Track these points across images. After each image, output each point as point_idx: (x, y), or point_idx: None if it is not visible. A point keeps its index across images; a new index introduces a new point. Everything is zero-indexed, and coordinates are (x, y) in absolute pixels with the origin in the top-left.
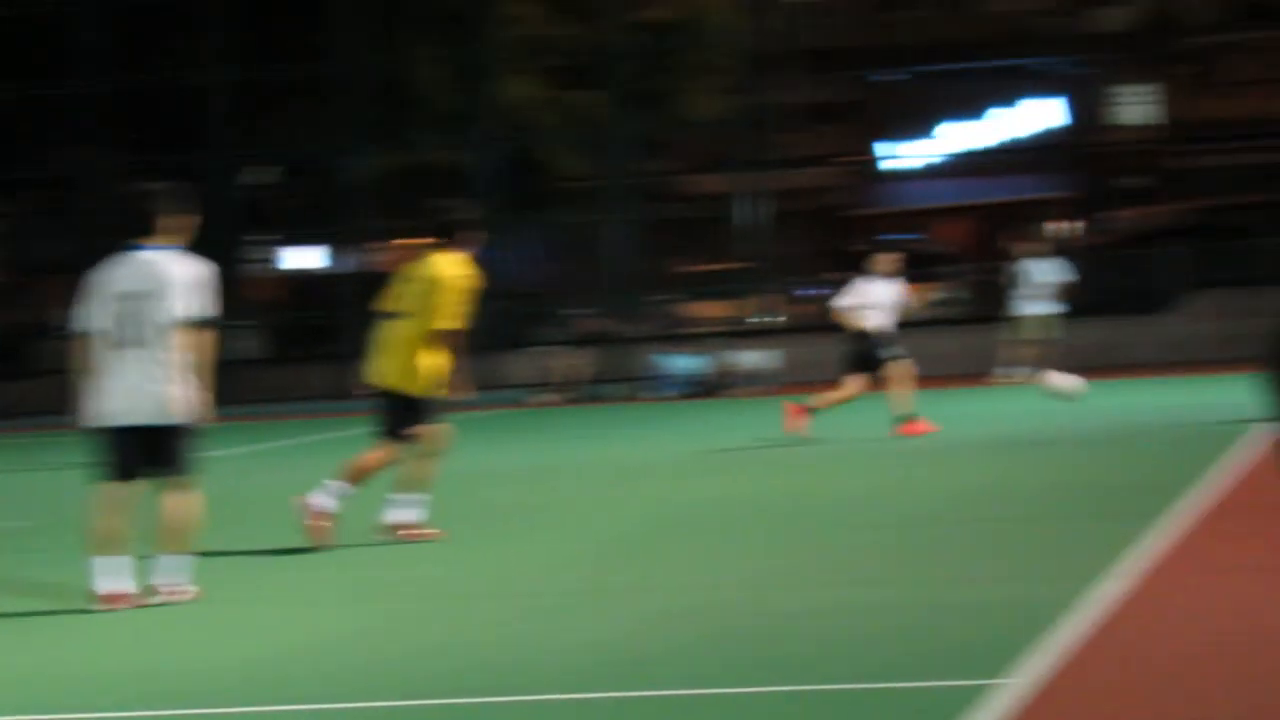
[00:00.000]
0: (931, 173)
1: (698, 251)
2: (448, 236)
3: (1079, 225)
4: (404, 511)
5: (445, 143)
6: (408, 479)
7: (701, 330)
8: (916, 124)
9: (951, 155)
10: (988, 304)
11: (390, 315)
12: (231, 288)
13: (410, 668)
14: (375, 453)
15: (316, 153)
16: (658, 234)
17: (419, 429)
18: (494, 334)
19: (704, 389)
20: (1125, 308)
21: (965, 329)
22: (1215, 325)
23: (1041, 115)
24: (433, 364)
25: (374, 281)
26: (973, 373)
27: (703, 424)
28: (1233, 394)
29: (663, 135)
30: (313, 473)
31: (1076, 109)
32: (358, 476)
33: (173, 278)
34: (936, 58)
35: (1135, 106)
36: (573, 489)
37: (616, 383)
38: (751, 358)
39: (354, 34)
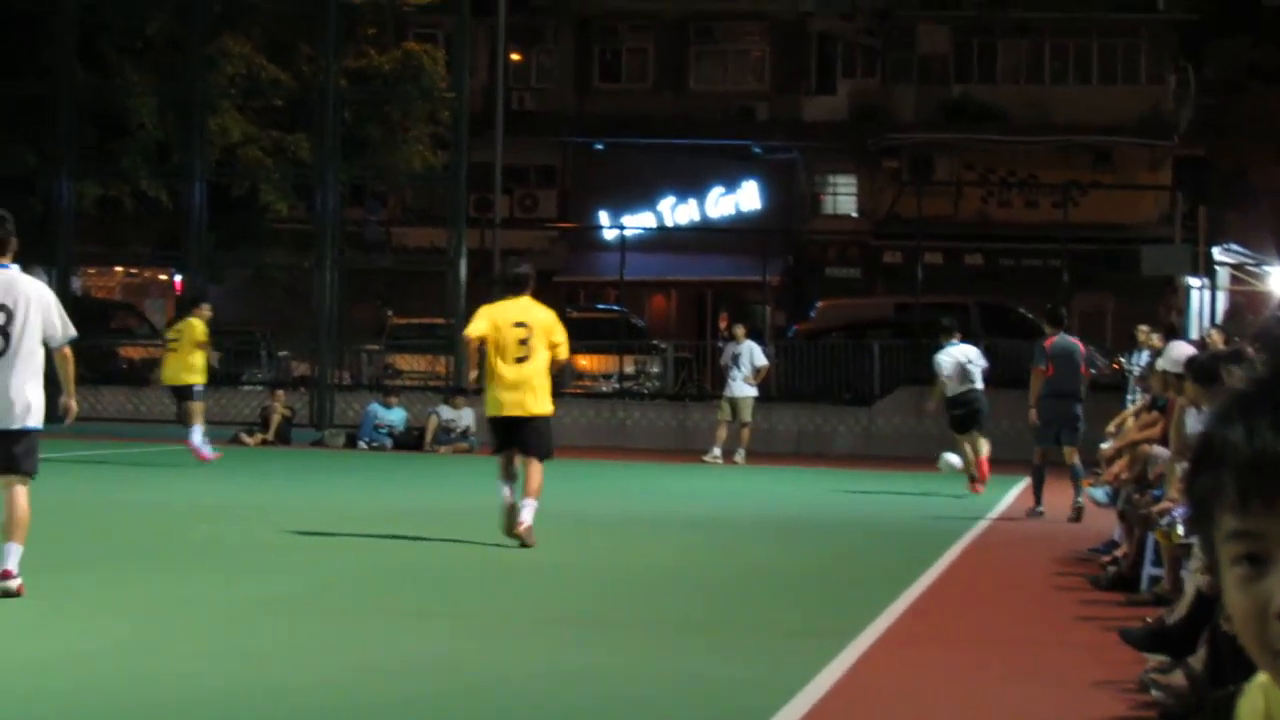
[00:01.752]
0: (635, 245)
1: (407, 303)
2: None
3: (783, 311)
4: None
5: (156, 172)
6: None
7: (408, 384)
8: (626, 195)
9: (659, 229)
10: (688, 381)
11: None
12: None
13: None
14: None
15: (26, 171)
16: (367, 282)
17: None
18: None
19: (408, 442)
20: (827, 397)
21: (662, 404)
22: (914, 423)
23: (750, 197)
24: None
25: (83, 304)
26: (670, 449)
27: (405, 477)
28: (934, 493)
29: (373, 184)
30: None
31: (786, 194)
32: None
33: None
34: (649, 131)
35: (844, 197)
36: (269, 533)
37: (322, 428)
38: (453, 414)
39: (68, 54)
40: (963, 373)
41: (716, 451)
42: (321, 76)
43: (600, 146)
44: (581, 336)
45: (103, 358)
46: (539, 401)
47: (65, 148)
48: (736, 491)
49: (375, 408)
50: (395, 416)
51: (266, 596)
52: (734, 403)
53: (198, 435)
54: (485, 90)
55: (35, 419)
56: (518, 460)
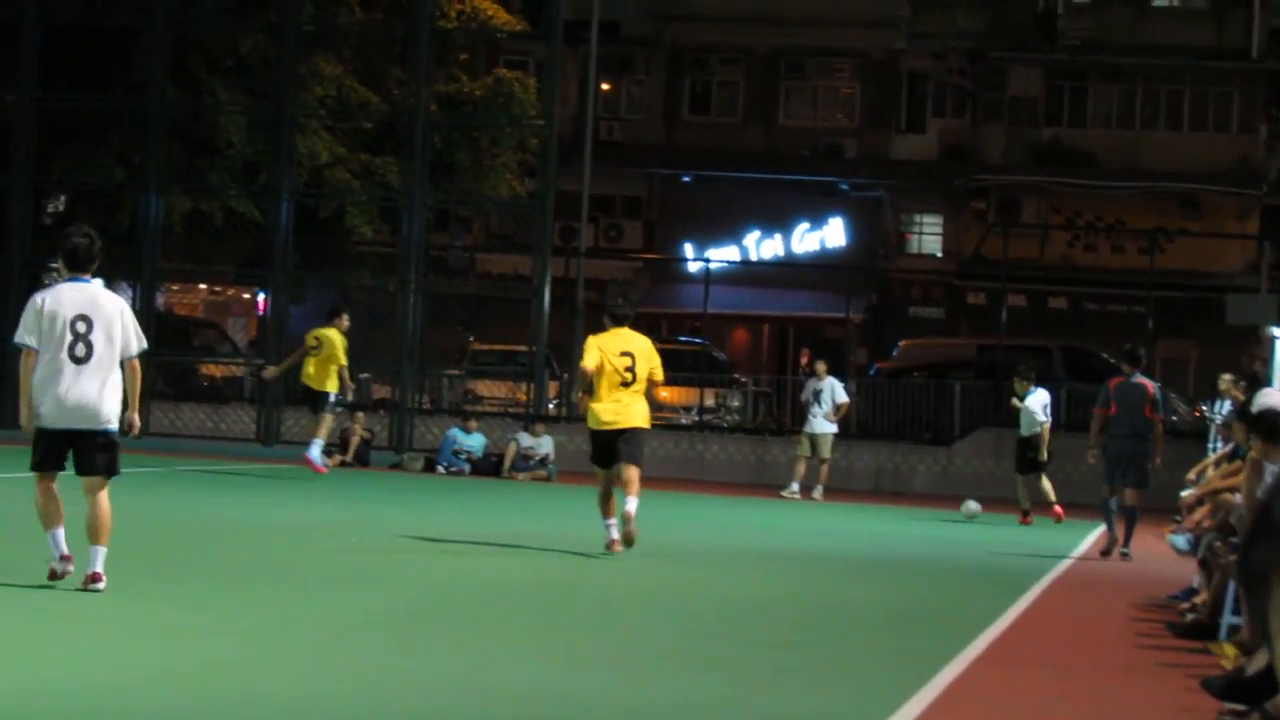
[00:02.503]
0: (719, 278)
1: (489, 329)
2: None
3: (865, 349)
4: None
5: (243, 191)
6: None
7: (488, 409)
8: (711, 228)
9: (743, 263)
10: (768, 415)
11: None
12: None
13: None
14: None
15: (114, 186)
16: (450, 307)
17: None
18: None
19: (487, 468)
20: (907, 436)
21: (741, 438)
22: (993, 464)
23: (835, 234)
24: None
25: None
26: (748, 482)
27: (484, 503)
28: (1012, 533)
29: (458, 209)
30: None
31: (871, 232)
32: None
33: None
34: (737, 165)
35: (929, 236)
36: (351, 554)
37: (400, 451)
38: (532, 441)
39: (161, 72)
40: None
41: (795, 487)
42: (412, 100)
43: (687, 179)
44: (664, 368)
45: (184, 375)
46: (639, 416)
47: (153, 163)
48: (815, 527)
49: (455, 433)
50: (474, 442)
51: (346, 619)
52: (814, 439)
53: (317, 448)
54: (574, 119)
55: (115, 422)
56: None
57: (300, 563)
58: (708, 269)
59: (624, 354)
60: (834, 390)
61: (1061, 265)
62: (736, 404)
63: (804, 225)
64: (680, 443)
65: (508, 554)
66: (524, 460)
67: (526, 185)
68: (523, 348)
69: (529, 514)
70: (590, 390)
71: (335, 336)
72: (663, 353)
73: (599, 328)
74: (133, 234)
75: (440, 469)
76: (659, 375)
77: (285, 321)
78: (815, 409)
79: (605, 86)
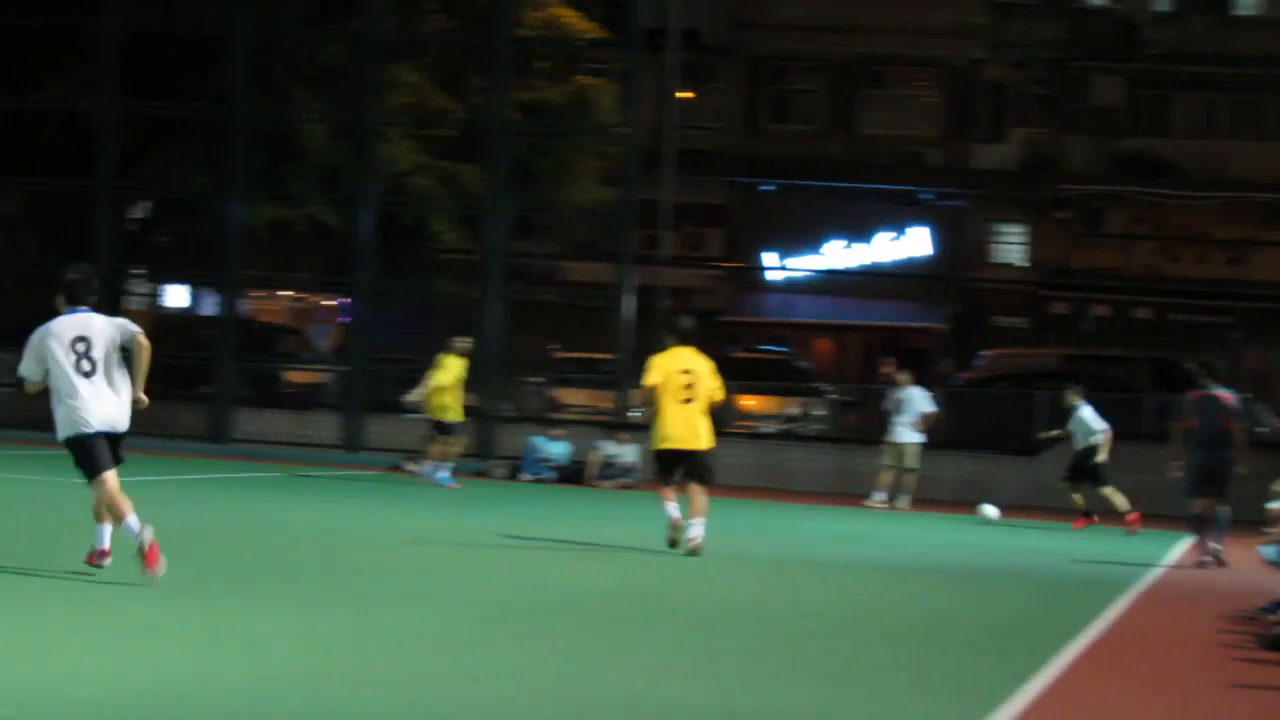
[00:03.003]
0: (803, 287)
1: (572, 336)
2: None
3: (949, 358)
4: None
5: (325, 199)
6: None
7: (570, 417)
8: (793, 237)
9: (825, 272)
10: (848, 424)
11: None
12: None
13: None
14: None
15: (197, 193)
16: (531, 315)
17: None
18: (366, 396)
19: (570, 475)
20: (992, 446)
21: (825, 447)
22: None
23: (918, 243)
24: None
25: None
26: (832, 491)
27: (569, 510)
28: (1099, 543)
29: (540, 217)
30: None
31: (954, 241)
32: None
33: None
34: (818, 173)
35: (1013, 246)
36: (438, 561)
37: (485, 459)
38: (616, 449)
39: (243, 80)
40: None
41: (879, 496)
42: (493, 108)
43: (768, 187)
44: (745, 377)
45: (267, 381)
46: (702, 437)
47: (236, 171)
48: (901, 537)
49: (538, 440)
50: (558, 450)
51: (432, 627)
52: (898, 448)
53: (445, 470)
54: (655, 127)
55: (127, 422)
56: (683, 489)
57: (386, 569)
58: (789, 278)
59: (684, 372)
60: (918, 400)
61: (1146, 275)
62: (820, 413)
63: (886, 234)
64: (764, 452)
65: (592, 562)
66: (608, 468)
67: (608, 193)
68: (605, 355)
69: (613, 522)
70: (652, 408)
71: (455, 360)
72: (745, 362)
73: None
74: (216, 241)
75: (524, 476)
76: (719, 395)
77: (368, 328)
78: (899, 418)
79: (686, 95)
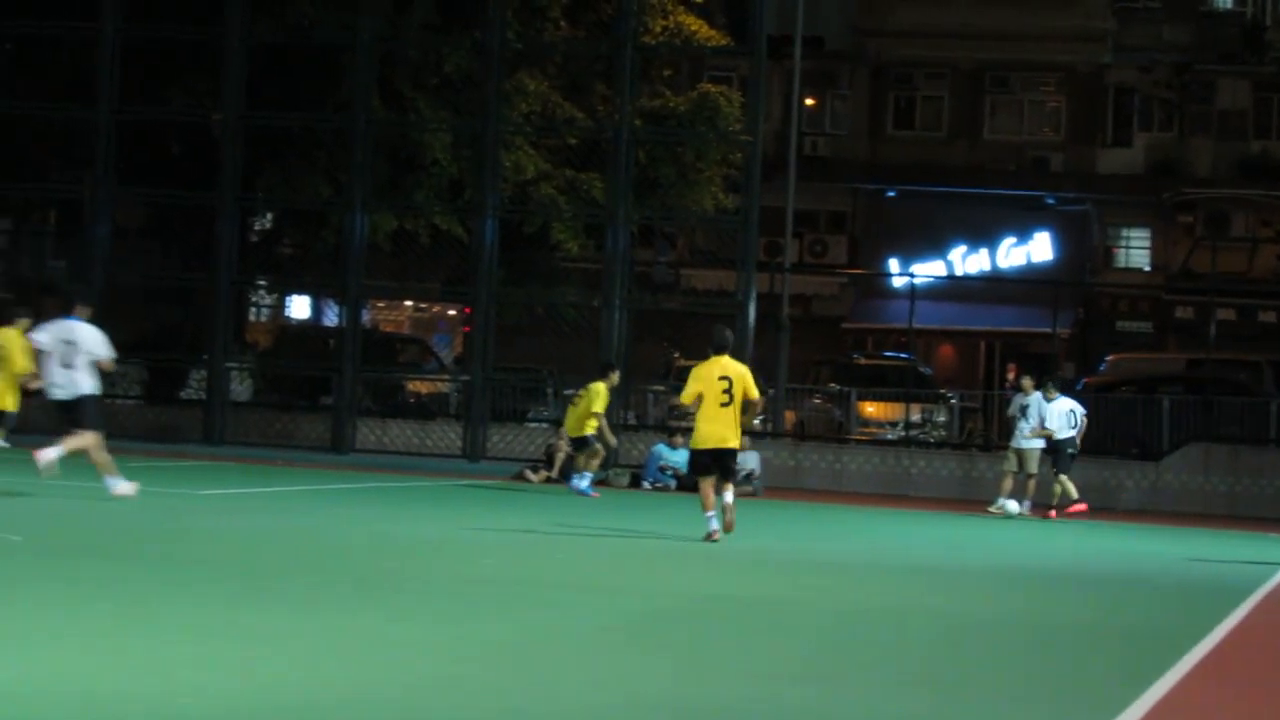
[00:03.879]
0: (926, 293)
1: (694, 344)
2: None
3: (1073, 363)
4: None
5: (448, 208)
6: None
7: (692, 425)
8: (916, 243)
9: (948, 278)
10: (973, 431)
11: None
12: (231, 329)
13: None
14: None
15: (320, 204)
16: (654, 323)
17: None
18: (488, 405)
19: (692, 483)
20: (1115, 451)
21: (947, 454)
22: (1202, 479)
23: (1041, 248)
24: None
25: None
26: (954, 498)
27: (690, 518)
28: (1223, 548)
29: (663, 225)
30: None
31: (1078, 246)
32: None
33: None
34: (942, 179)
35: (1137, 250)
36: (561, 570)
37: (606, 467)
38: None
39: (366, 90)
40: (1071, 421)
41: (1001, 502)
42: (616, 116)
43: (892, 193)
44: (868, 383)
45: (390, 391)
46: (735, 437)
47: (359, 181)
48: (1023, 543)
49: (660, 448)
50: (680, 457)
51: (553, 635)
52: (1021, 454)
53: (585, 480)
54: (778, 134)
55: (89, 390)
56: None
57: (507, 578)
58: (913, 284)
59: (722, 378)
60: (1041, 405)
61: (1272, 278)
62: (943, 419)
63: (1010, 240)
64: (886, 458)
65: (713, 569)
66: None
67: (731, 200)
68: None
69: (735, 530)
70: (695, 411)
71: (599, 390)
72: (868, 368)
73: (812, 345)
74: (339, 251)
75: (646, 485)
76: (754, 395)
77: (490, 338)
78: (1022, 424)
79: (809, 101)
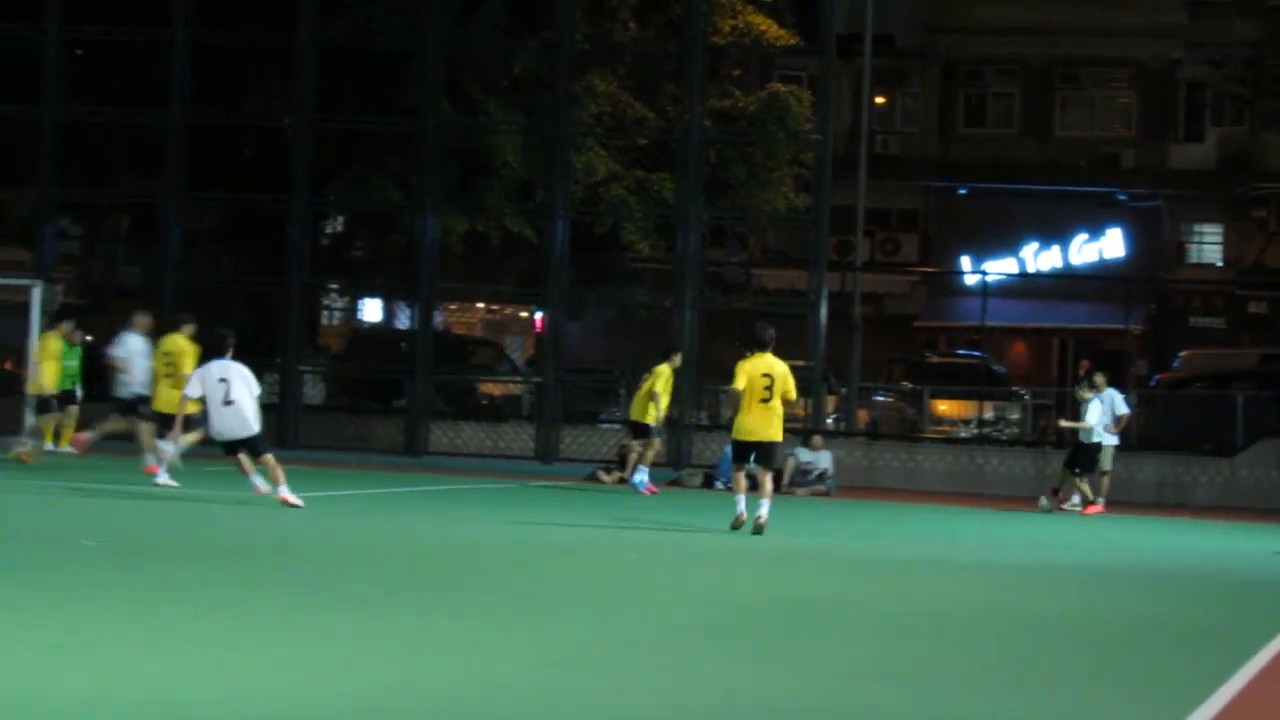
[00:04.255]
0: (998, 290)
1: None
2: None
3: (1145, 360)
4: None
5: (519, 210)
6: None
7: None
8: (988, 240)
9: (1020, 275)
10: (1046, 428)
11: None
12: (304, 333)
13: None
14: None
15: (391, 207)
16: (725, 322)
17: None
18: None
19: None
20: (1189, 448)
21: (1021, 451)
22: (1277, 475)
23: (1114, 245)
24: None
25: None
26: (1027, 495)
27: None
28: None
29: (734, 225)
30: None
31: (1150, 242)
32: None
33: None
34: (1013, 176)
35: (1209, 246)
36: (634, 570)
37: (679, 468)
38: (811, 456)
39: (436, 93)
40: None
41: (1075, 499)
42: (686, 116)
43: (963, 191)
44: (941, 381)
45: (463, 393)
46: (775, 430)
47: (429, 184)
48: (1097, 540)
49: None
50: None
51: (627, 636)
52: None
53: (643, 474)
54: (849, 132)
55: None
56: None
57: (580, 578)
58: (984, 281)
59: (765, 375)
60: (1114, 402)
61: None
62: (1016, 416)
63: (1082, 236)
64: (959, 456)
65: (789, 570)
66: (802, 475)
67: (802, 199)
68: (800, 363)
69: (808, 529)
70: (737, 407)
71: (662, 371)
72: (941, 367)
73: (884, 342)
74: (410, 254)
75: (718, 485)
76: (792, 394)
77: (563, 339)
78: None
79: (880, 99)
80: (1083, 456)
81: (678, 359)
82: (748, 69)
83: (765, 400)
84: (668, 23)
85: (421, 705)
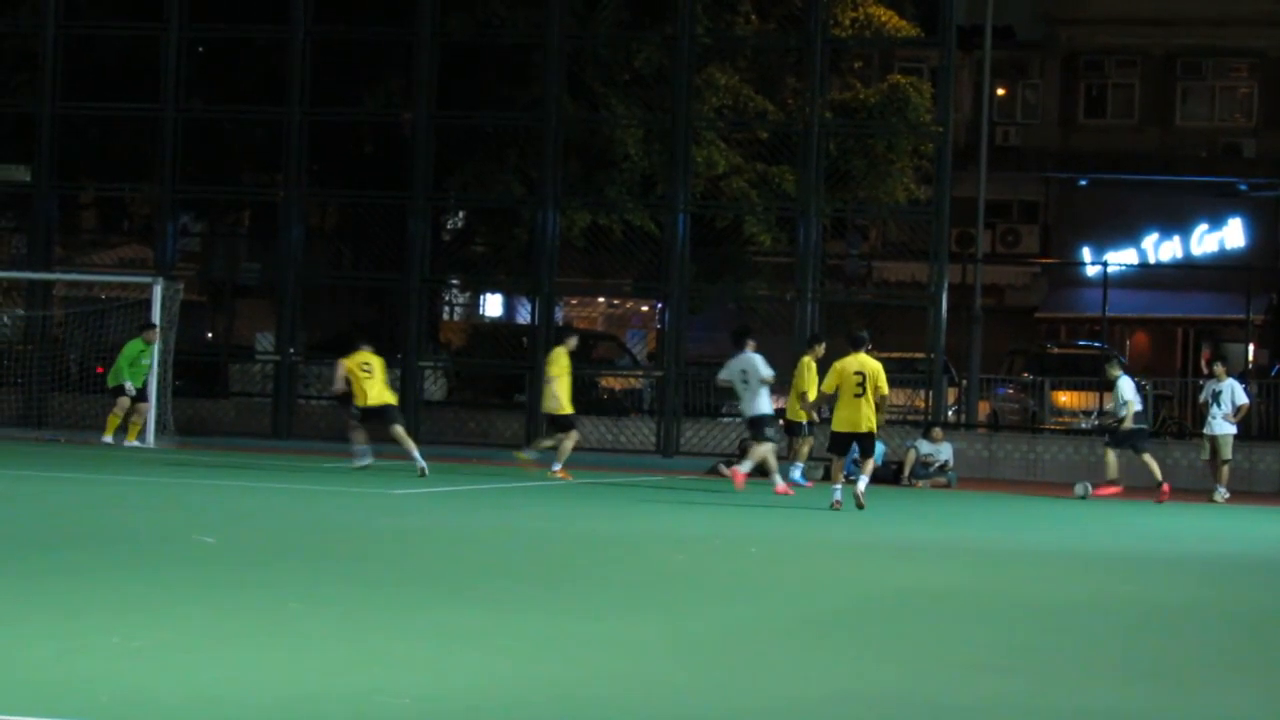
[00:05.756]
0: (1118, 281)
1: (886, 337)
2: None
3: (1266, 349)
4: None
5: (640, 204)
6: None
7: (886, 417)
8: (1109, 231)
9: (1141, 266)
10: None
11: None
12: (425, 329)
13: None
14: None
15: (511, 202)
16: (846, 315)
17: None
18: (681, 400)
19: (886, 475)
20: None
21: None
22: None
23: (1234, 235)
24: None
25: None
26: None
27: (885, 510)
28: None
29: (854, 217)
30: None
31: (1271, 232)
32: None
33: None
34: (1134, 167)
35: None
36: (753, 564)
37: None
38: (932, 448)
39: (557, 87)
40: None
41: (1222, 490)
42: (807, 109)
43: (1084, 182)
44: (1062, 372)
45: (584, 387)
46: (870, 422)
47: (551, 179)
48: (1217, 531)
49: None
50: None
51: (748, 630)
52: (1214, 440)
53: (797, 470)
54: (970, 124)
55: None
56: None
57: (700, 573)
58: (1105, 272)
59: (857, 373)
60: (1234, 391)
61: None
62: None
63: (1203, 226)
64: (1080, 447)
65: (909, 561)
66: (923, 467)
67: (922, 191)
68: (920, 355)
69: (929, 521)
70: (829, 402)
71: (806, 366)
72: (1062, 358)
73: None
74: (531, 249)
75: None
76: (884, 390)
77: (684, 333)
78: (1215, 410)
79: (1000, 91)
80: (1122, 433)
81: (820, 348)
82: (868, 61)
83: (858, 395)
84: (788, 15)
85: (550, 700)
